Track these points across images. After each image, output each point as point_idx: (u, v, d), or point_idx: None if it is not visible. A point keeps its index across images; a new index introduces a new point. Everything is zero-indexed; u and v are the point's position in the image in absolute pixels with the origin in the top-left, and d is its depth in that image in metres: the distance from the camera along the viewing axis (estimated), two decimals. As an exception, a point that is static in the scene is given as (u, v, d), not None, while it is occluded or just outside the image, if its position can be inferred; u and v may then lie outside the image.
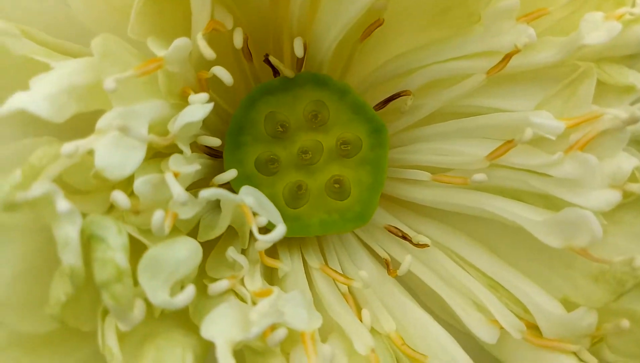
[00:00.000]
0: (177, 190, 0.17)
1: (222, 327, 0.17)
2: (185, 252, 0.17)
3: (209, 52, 0.18)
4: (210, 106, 0.18)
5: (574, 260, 0.21)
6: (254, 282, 0.20)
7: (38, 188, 0.15)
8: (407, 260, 0.23)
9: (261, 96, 0.23)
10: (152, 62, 0.18)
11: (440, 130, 0.24)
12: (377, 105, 0.24)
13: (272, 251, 0.23)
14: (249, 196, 0.19)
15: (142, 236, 0.17)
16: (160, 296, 0.16)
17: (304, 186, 0.23)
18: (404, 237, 0.24)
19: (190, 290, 0.17)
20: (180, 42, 0.18)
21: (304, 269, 0.23)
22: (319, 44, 0.22)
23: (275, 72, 0.23)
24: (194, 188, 0.20)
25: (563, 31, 0.21)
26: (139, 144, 0.17)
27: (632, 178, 0.20)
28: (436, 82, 0.23)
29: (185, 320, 0.19)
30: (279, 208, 0.22)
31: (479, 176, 0.21)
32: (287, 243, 0.24)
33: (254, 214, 0.19)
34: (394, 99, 0.24)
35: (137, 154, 0.17)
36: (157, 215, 0.17)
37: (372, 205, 0.23)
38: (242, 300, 0.19)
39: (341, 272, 0.24)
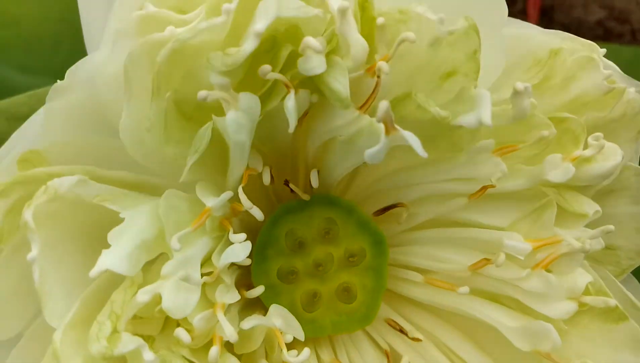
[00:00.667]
0: (229, 331, 0.21)
1: None
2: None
3: (247, 204, 0.22)
4: (249, 245, 0.22)
5: (542, 360, 0.25)
6: None
7: (130, 344, 0.19)
8: (405, 360, 0.27)
9: (282, 216, 0.27)
10: (203, 215, 0.22)
11: (432, 236, 0.28)
12: (376, 212, 0.29)
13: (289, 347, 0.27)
14: (278, 317, 0.23)
15: (193, 357, 0.21)
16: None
17: (318, 293, 0.27)
18: (401, 331, 0.28)
19: None
20: (226, 196, 0.22)
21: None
22: (330, 174, 0.26)
23: (291, 190, 0.27)
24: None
25: (531, 162, 0.26)
26: (195, 287, 0.21)
27: (587, 291, 0.25)
28: (428, 197, 0.28)
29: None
30: (296, 313, 0.26)
31: (463, 289, 0.26)
32: (302, 341, 0.28)
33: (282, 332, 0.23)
34: (392, 208, 0.29)
35: (194, 297, 0.21)
36: (213, 351, 0.21)
37: (375, 307, 0.27)
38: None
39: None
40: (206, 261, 0.23)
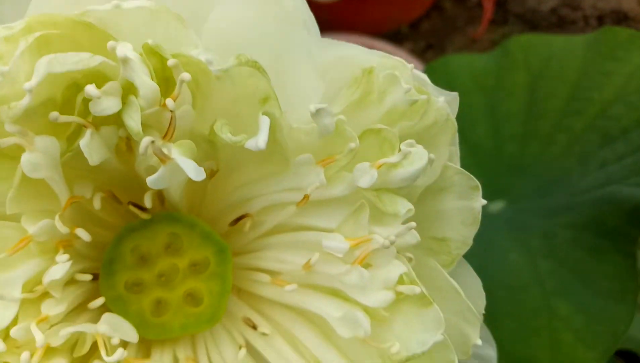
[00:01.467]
0: (39, 339, 0.23)
1: None
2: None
3: (64, 229, 0.25)
4: (68, 265, 0.25)
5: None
6: None
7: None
8: (241, 353, 0.29)
9: (126, 234, 0.29)
10: (23, 241, 0.24)
11: (275, 241, 0.31)
12: (230, 223, 0.31)
13: (146, 352, 0.30)
14: (104, 324, 0.25)
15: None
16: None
17: (165, 301, 0.29)
18: (253, 327, 0.30)
19: None
20: (44, 223, 0.24)
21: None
22: (168, 195, 0.29)
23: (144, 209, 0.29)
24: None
25: (349, 170, 0.28)
26: (11, 304, 0.23)
27: (401, 281, 0.27)
28: (269, 207, 0.30)
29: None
30: (145, 319, 0.29)
31: (290, 287, 0.28)
32: (161, 343, 0.30)
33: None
34: (241, 219, 0.31)
35: (10, 312, 0.23)
36: (24, 356, 0.23)
37: (221, 308, 0.30)
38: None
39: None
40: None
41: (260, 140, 0.23)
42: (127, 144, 0.26)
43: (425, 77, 0.29)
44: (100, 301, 0.28)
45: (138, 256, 0.29)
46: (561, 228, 0.82)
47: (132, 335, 0.26)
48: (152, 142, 0.22)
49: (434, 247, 0.31)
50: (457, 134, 0.31)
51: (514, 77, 1.02)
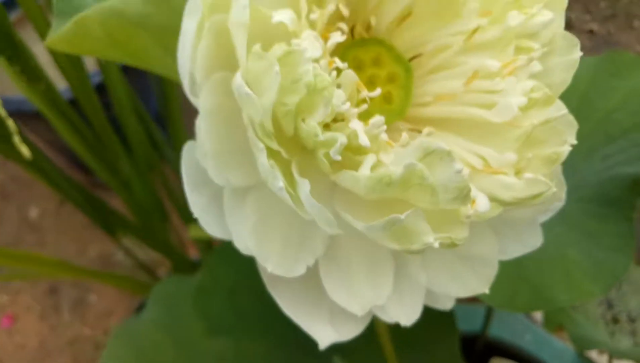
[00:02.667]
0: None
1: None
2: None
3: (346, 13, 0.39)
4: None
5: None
6: None
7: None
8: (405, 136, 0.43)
9: (351, 46, 0.43)
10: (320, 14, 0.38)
11: (443, 74, 0.45)
12: (409, 60, 0.46)
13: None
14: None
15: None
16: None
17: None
18: (417, 131, 0.45)
19: None
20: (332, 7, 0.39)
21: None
22: (382, 20, 0.43)
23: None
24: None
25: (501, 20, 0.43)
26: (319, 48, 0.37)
27: (533, 90, 0.42)
28: (441, 47, 0.45)
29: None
30: (359, 105, 0.43)
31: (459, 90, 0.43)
32: None
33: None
34: (417, 56, 0.46)
35: (319, 51, 0.37)
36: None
37: (406, 108, 0.44)
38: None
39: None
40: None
41: None
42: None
43: None
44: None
45: (356, 62, 0.43)
46: (571, 203, 0.98)
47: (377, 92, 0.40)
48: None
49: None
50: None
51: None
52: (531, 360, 1.45)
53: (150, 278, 1.41)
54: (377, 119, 0.37)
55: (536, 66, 0.43)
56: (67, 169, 1.52)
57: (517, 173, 0.41)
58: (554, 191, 0.40)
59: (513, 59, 0.42)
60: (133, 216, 1.17)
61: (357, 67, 0.43)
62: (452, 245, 0.37)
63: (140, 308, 1.39)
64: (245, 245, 0.37)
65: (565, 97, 1.25)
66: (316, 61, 0.36)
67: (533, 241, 0.47)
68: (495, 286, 0.82)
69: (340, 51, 0.43)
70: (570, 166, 1.07)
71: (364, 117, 0.41)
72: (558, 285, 0.79)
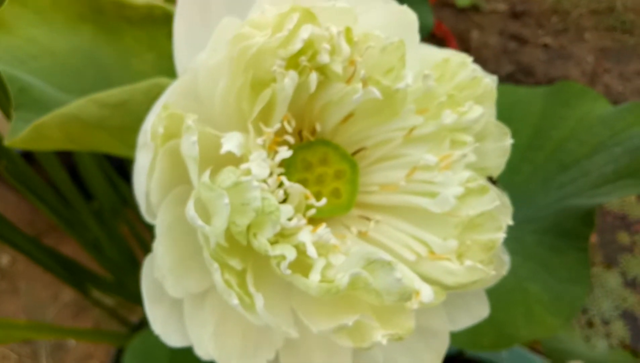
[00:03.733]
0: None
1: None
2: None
3: (290, 129, 0.42)
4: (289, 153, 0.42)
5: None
6: None
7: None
8: (356, 228, 0.46)
9: (298, 149, 0.47)
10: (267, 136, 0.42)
11: (382, 166, 0.49)
12: (352, 154, 0.49)
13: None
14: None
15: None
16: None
17: (320, 192, 0.46)
18: (366, 218, 0.48)
19: None
20: (278, 126, 0.42)
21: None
22: (325, 125, 0.47)
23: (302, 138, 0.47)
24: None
25: (436, 117, 0.47)
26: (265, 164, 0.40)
27: (469, 181, 0.46)
28: (383, 141, 0.48)
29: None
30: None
31: (402, 182, 0.47)
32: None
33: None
34: (359, 152, 0.49)
35: (265, 171, 0.40)
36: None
37: (352, 202, 0.47)
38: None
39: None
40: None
41: (407, 80, 0.42)
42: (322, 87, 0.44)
43: (477, 66, 0.49)
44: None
45: (305, 164, 0.46)
46: (528, 234, 1.03)
47: (323, 201, 0.43)
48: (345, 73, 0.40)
49: (478, 173, 0.50)
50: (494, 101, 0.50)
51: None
52: (508, 375, 1.49)
53: (125, 326, 1.42)
54: (324, 230, 0.40)
55: (470, 157, 0.46)
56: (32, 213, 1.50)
57: (459, 257, 0.45)
58: (493, 275, 0.44)
59: (448, 154, 0.46)
60: (103, 271, 1.18)
61: (306, 167, 0.47)
62: (400, 339, 0.40)
63: (119, 352, 1.40)
64: (205, 350, 0.40)
65: (519, 127, 1.30)
66: (264, 180, 0.39)
67: (481, 311, 0.51)
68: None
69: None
70: (528, 195, 1.12)
71: (317, 216, 0.44)
72: (519, 321, 0.83)
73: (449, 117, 0.46)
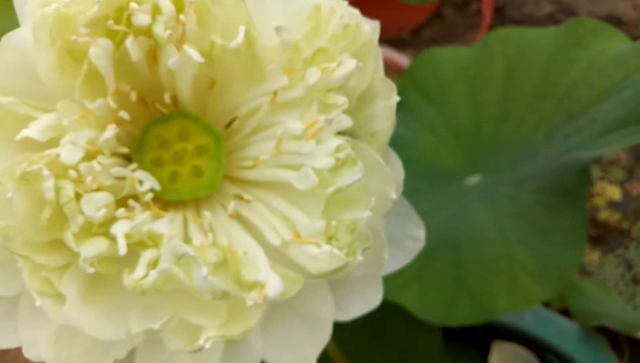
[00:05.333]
0: (97, 168, 0.36)
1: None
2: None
3: (114, 106, 0.37)
4: (115, 130, 0.37)
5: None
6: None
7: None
8: (231, 206, 0.41)
9: (152, 125, 0.42)
10: (86, 112, 0.37)
11: (257, 138, 0.43)
12: (225, 126, 0.44)
13: (165, 210, 0.42)
14: (138, 172, 0.38)
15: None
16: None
17: (177, 172, 0.41)
18: (240, 197, 0.43)
19: None
20: (100, 101, 0.37)
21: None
22: (181, 96, 0.41)
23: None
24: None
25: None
26: (80, 149, 0.36)
27: (339, 150, 0.39)
28: (253, 110, 0.43)
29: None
30: (165, 185, 0.41)
31: (264, 157, 0.41)
32: (175, 206, 0.42)
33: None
34: (233, 121, 0.44)
35: (79, 154, 0.35)
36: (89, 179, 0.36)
37: (217, 180, 0.42)
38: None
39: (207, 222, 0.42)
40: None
41: (238, 39, 0.36)
42: (153, 57, 0.39)
43: (357, 11, 0.41)
44: (134, 166, 0.40)
45: (160, 140, 0.42)
46: (526, 193, 0.93)
47: (156, 185, 0.39)
48: (171, 35, 0.35)
49: (369, 140, 0.43)
50: (380, 52, 0.43)
51: (492, 66, 1.14)
52: (533, 341, 1.41)
53: None
54: (141, 217, 0.35)
55: (345, 121, 0.40)
56: None
57: (330, 239, 0.39)
58: (360, 260, 0.38)
59: (314, 121, 0.39)
60: None
61: (161, 144, 0.42)
62: (229, 341, 0.35)
63: None
64: (37, 352, 0.37)
65: (527, 74, 1.18)
66: (74, 167, 0.35)
67: (374, 297, 0.45)
68: (431, 295, 0.79)
69: (140, 131, 0.41)
70: (531, 149, 1.02)
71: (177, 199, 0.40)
72: (500, 291, 0.76)
73: (313, 76, 0.39)
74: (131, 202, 0.38)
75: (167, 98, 0.41)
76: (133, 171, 0.39)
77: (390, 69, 1.96)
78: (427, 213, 1.03)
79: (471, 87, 1.18)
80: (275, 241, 0.39)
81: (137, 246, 0.36)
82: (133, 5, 0.35)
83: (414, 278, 0.78)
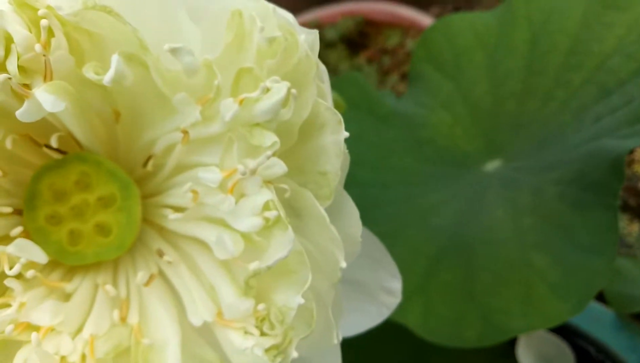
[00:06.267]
0: None
1: None
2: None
3: None
4: None
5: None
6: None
7: None
8: (140, 276, 0.33)
9: (43, 173, 0.33)
10: None
11: (176, 180, 0.34)
12: (142, 165, 0.35)
13: (70, 277, 0.34)
14: (14, 247, 0.30)
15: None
16: None
17: (77, 231, 0.33)
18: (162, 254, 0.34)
19: None
20: None
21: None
22: (77, 134, 0.33)
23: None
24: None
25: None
26: None
27: (267, 207, 0.30)
28: (168, 147, 0.34)
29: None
30: (63, 248, 0.33)
31: (173, 216, 0.32)
32: (84, 269, 0.35)
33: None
34: (149, 160, 0.35)
35: None
36: None
37: (128, 239, 0.34)
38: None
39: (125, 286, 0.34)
40: None
41: (107, 76, 0.27)
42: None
43: (290, 16, 0.31)
44: (18, 230, 0.32)
45: (54, 192, 0.33)
46: (549, 184, 0.82)
47: (40, 257, 0.31)
48: (9, 79, 0.26)
49: (319, 181, 0.33)
50: (326, 72, 0.33)
51: (515, 33, 1.01)
52: (564, 326, 1.31)
53: None
54: (7, 312, 0.28)
55: (277, 167, 0.31)
56: None
57: (260, 322, 0.30)
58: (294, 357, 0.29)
59: (232, 170, 0.30)
60: None
61: (57, 197, 0.34)
62: None
63: None
64: None
65: (554, 42, 1.04)
66: None
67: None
68: (437, 311, 0.70)
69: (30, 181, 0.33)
70: (557, 131, 0.89)
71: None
72: (514, 307, 0.66)
73: (229, 109, 0.30)
74: (9, 282, 0.30)
75: (53, 140, 0.32)
76: (15, 236, 0.32)
77: (413, 31, 1.81)
78: (437, 207, 0.92)
79: (491, 58, 1.04)
80: (195, 320, 0.31)
81: (5, 345, 0.28)
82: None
83: (418, 290, 0.69)
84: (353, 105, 1.10)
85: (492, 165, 0.95)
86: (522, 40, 1.01)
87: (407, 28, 1.82)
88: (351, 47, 1.68)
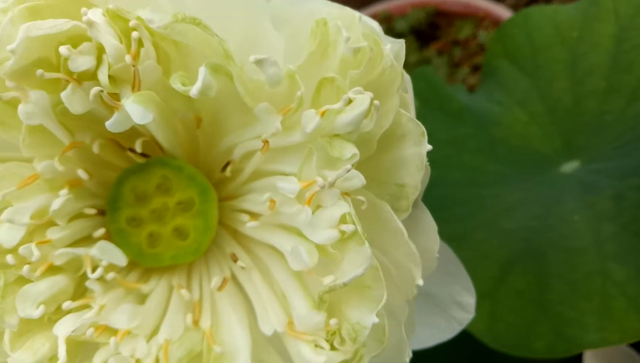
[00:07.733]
0: (35, 256, 0.29)
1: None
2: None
3: (62, 169, 0.30)
4: (65, 199, 0.30)
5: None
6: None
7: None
8: (214, 281, 0.34)
9: (126, 176, 0.34)
10: (31, 178, 0.30)
11: (254, 186, 0.34)
12: (221, 170, 0.36)
13: (146, 278, 0.35)
14: (96, 249, 0.31)
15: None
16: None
17: (156, 234, 0.34)
18: (236, 258, 0.35)
19: None
20: (46, 163, 0.30)
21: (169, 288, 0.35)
22: (161, 140, 0.33)
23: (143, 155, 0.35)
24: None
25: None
26: (21, 228, 0.29)
27: (344, 220, 0.29)
28: (247, 154, 0.34)
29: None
30: (142, 249, 0.34)
31: (251, 224, 0.32)
32: (160, 271, 0.36)
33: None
34: (227, 166, 0.35)
35: (19, 234, 0.29)
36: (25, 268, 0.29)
37: (204, 243, 0.34)
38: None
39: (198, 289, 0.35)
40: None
41: (194, 88, 0.27)
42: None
43: (375, 24, 0.30)
44: (101, 231, 0.33)
45: (136, 194, 0.34)
46: (632, 190, 0.77)
47: (121, 260, 0.32)
48: (101, 91, 0.27)
49: (396, 193, 0.33)
50: (410, 82, 0.32)
51: (600, 27, 0.95)
52: None
53: None
54: (88, 314, 0.29)
55: (355, 180, 0.30)
56: None
57: (331, 336, 0.30)
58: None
59: (311, 182, 0.30)
60: None
61: (139, 199, 0.34)
62: None
63: None
64: None
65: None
66: (13, 250, 0.29)
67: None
68: (505, 318, 0.67)
69: (113, 183, 0.34)
70: (635, 129, 0.84)
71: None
72: (590, 319, 0.62)
73: (310, 121, 0.29)
74: (90, 284, 0.31)
75: (138, 145, 0.33)
76: (98, 238, 0.33)
77: (486, 22, 1.75)
78: (510, 211, 0.89)
79: (572, 53, 0.99)
80: (267, 329, 0.32)
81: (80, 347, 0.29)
82: (62, 49, 0.27)
83: (485, 296, 0.67)
84: (422, 100, 1.07)
85: (570, 166, 0.91)
86: (607, 35, 0.95)
87: (480, 19, 1.76)
88: (421, 39, 1.64)
